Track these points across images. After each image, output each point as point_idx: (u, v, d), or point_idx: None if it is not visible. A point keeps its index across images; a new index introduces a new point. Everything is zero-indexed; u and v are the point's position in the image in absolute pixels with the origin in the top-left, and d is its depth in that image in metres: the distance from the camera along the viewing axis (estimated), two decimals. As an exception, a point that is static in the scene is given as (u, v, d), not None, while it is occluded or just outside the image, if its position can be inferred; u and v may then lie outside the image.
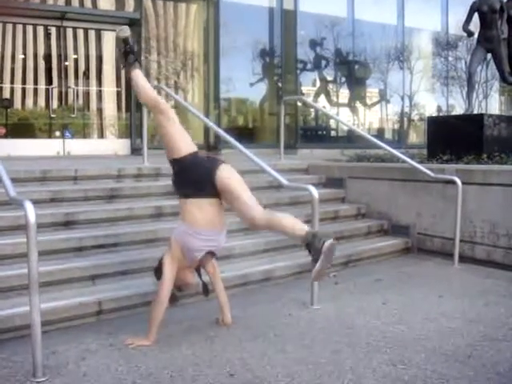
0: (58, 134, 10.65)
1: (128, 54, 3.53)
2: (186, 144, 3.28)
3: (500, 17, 7.27)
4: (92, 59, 11.27)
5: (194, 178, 3.18)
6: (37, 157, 8.71)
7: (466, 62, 13.78)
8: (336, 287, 4.50)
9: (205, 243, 3.20)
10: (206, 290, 3.46)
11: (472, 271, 5.00)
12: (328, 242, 2.89)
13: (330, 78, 13.44)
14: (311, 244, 2.92)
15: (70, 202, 4.76)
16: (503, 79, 7.87)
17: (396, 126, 14.82)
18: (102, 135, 11.52)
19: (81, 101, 11.18)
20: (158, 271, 3.27)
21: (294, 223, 3.04)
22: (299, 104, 12.13)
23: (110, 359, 2.96)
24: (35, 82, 10.91)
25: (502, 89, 15.77)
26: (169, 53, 11.69)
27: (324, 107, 12.71)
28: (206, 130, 11.13)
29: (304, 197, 5.35)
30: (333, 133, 13.58)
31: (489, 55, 7.90)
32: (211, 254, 3.34)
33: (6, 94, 10.69)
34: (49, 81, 10.77)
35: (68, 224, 4.40)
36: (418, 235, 5.79)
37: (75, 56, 11.09)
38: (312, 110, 13.29)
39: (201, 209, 3.14)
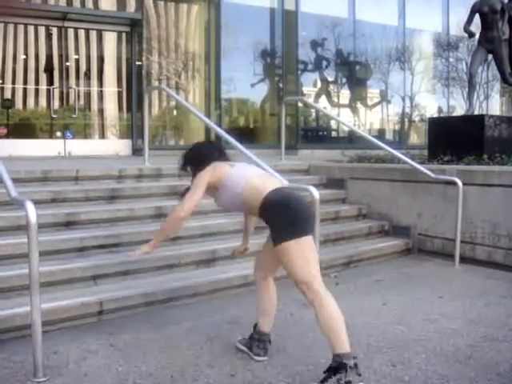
0: (59, 134, 10.66)
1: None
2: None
3: (501, 18, 7.26)
4: (93, 59, 11.28)
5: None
6: (38, 157, 8.72)
7: (466, 63, 13.79)
8: (337, 288, 4.49)
9: (234, 207, 2.99)
10: None
11: (473, 272, 5.00)
12: None
13: (330, 79, 13.44)
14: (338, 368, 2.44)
15: (71, 202, 4.77)
16: (504, 80, 7.87)
17: (397, 127, 14.82)
18: (103, 136, 11.52)
19: (82, 101, 11.18)
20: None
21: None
22: (300, 105, 12.13)
23: (110, 359, 2.96)
24: (36, 82, 10.92)
25: (502, 90, 15.77)
26: (170, 53, 11.70)
27: (325, 108, 12.71)
28: (207, 130, 11.14)
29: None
30: (333, 133, 13.59)
31: (490, 56, 7.90)
32: None
33: (8, 95, 10.70)
34: (50, 81, 10.78)
35: (69, 224, 4.41)
36: (419, 236, 5.79)
37: (76, 56, 11.09)
38: (313, 110, 13.28)
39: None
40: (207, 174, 2.88)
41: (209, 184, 2.87)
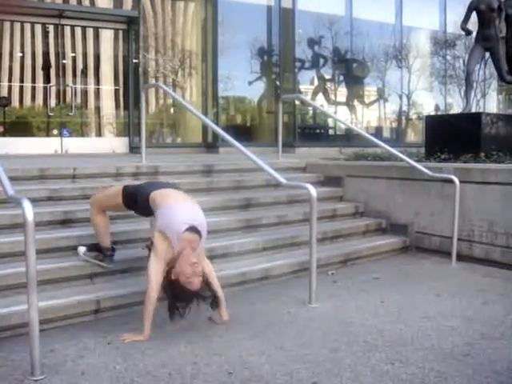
0: (56, 132, 10.63)
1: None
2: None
3: (498, 15, 7.26)
4: (90, 57, 11.24)
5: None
6: (35, 155, 8.69)
7: (464, 61, 13.79)
8: (334, 285, 4.50)
9: (182, 217, 3.24)
10: (216, 303, 3.37)
11: (470, 270, 5.01)
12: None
13: (328, 77, 13.42)
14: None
15: (69, 200, 4.76)
16: (501, 78, 7.87)
17: (394, 125, 14.81)
18: (100, 133, 11.49)
19: (79, 99, 11.14)
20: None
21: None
22: (297, 102, 12.11)
23: (108, 357, 2.96)
24: (33, 80, 10.88)
25: (499, 87, 15.77)
26: (167, 51, 11.67)
27: (322, 106, 12.70)
28: (205, 128, 11.13)
29: (302, 195, 5.35)
30: (331, 131, 13.57)
31: (487, 54, 7.90)
32: (197, 232, 3.25)
33: (4, 92, 10.66)
34: (47, 79, 10.74)
35: (66, 222, 4.40)
36: (416, 234, 5.80)
37: (73, 54, 11.05)
38: (310, 108, 13.27)
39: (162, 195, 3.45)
40: (152, 259, 3.24)
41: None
